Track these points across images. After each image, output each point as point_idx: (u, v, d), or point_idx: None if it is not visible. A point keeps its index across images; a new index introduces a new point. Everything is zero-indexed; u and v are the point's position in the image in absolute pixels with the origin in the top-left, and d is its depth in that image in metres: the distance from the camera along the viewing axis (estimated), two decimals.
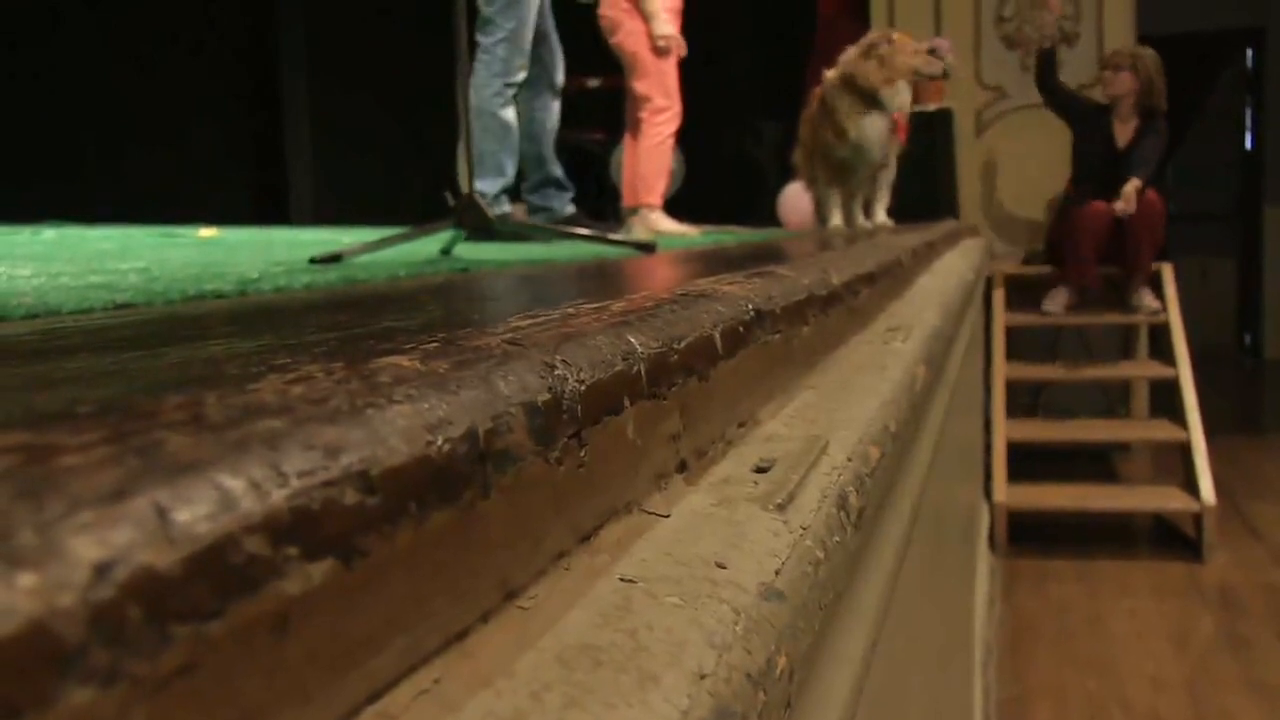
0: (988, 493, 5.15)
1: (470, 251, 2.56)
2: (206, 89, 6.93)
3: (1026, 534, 5.18)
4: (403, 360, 0.40)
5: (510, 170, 3.81)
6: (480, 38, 3.74)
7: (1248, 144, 10.67)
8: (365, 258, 2.15)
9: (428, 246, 2.50)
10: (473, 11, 3.60)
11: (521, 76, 3.78)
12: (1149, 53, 5.63)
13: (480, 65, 3.72)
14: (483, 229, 2.49)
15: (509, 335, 0.47)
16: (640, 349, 0.54)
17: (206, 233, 4.14)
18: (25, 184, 3.97)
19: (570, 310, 0.59)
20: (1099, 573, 4.84)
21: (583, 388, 0.46)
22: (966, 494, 3.49)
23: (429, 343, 0.44)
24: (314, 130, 7.97)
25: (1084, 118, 5.72)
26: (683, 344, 0.59)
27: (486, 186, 3.71)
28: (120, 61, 6.61)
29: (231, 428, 0.30)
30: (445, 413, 0.37)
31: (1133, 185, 5.34)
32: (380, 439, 0.33)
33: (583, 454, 0.45)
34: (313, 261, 2.00)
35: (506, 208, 3.77)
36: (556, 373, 0.45)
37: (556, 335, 0.49)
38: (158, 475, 0.26)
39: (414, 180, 6.71)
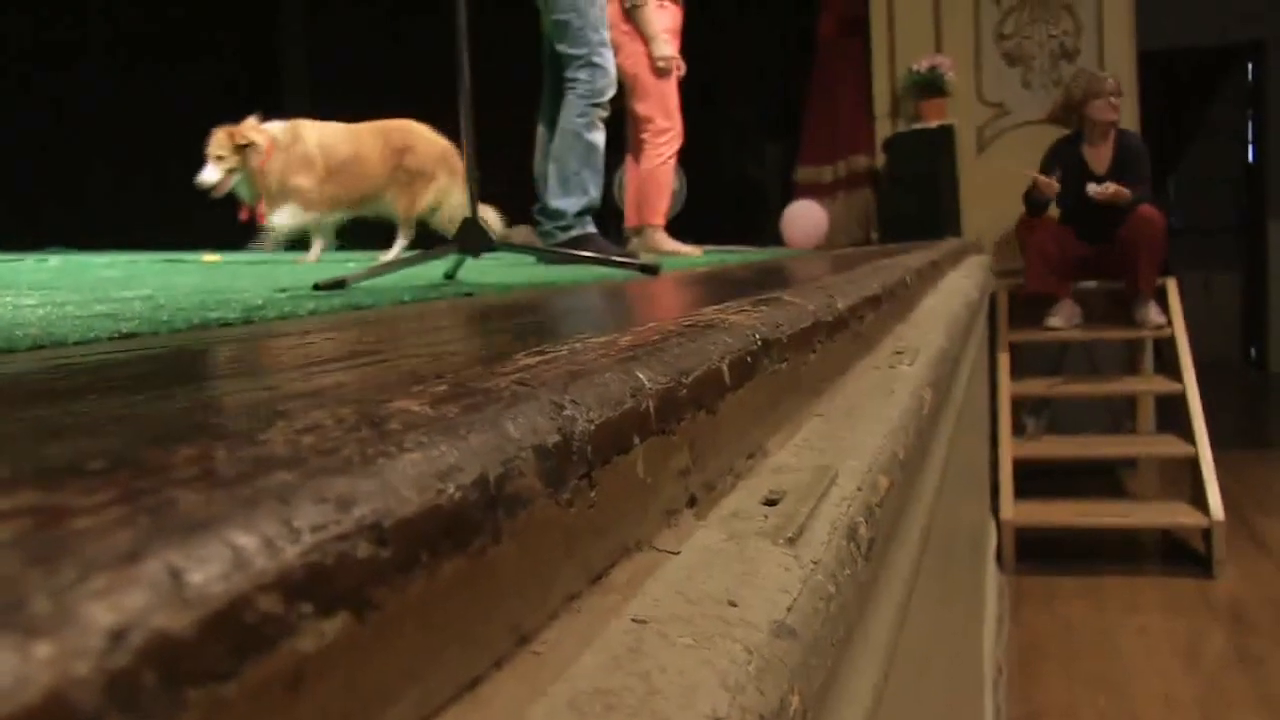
0: (995, 511, 5.14)
1: (474, 274, 2.56)
2: (210, 114, 6.96)
3: (1034, 551, 5.17)
4: (412, 405, 0.39)
5: (594, 190, 3.81)
6: (565, 73, 3.76)
7: (1250, 158, 10.67)
8: (369, 282, 2.15)
9: (431, 270, 2.50)
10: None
11: (609, 95, 3.79)
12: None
13: (569, 92, 3.74)
14: (487, 250, 2.49)
15: (517, 375, 0.47)
16: (648, 384, 0.54)
17: (210, 258, 4.16)
18: (30, 211, 3.99)
19: (577, 345, 0.58)
20: (1108, 590, 4.82)
21: (592, 427, 0.46)
22: (974, 513, 3.48)
23: (438, 384, 0.44)
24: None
25: (1056, 153, 5.72)
26: (691, 378, 0.59)
27: (569, 205, 3.72)
28: (124, 89, 6.65)
29: (243, 482, 0.30)
30: (456, 459, 0.36)
31: (1108, 188, 5.33)
32: (392, 489, 0.33)
33: (593, 494, 0.45)
34: (316, 287, 2.00)
35: (590, 228, 3.77)
36: (565, 413, 0.45)
37: (564, 373, 0.49)
38: (170, 535, 0.26)
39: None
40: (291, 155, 3.99)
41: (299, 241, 4.12)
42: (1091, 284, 5.80)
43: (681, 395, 0.57)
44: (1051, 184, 5.41)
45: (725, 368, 0.66)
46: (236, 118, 3.94)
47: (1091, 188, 5.33)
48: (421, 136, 4.23)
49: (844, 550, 0.61)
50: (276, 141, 3.97)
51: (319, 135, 4.09)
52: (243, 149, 3.90)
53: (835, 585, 0.57)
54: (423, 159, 4.19)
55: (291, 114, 4.15)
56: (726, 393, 0.65)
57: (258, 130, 3.95)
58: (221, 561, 0.26)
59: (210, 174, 3.88)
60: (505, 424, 0.41)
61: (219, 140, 3.89)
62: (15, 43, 7.04)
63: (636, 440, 0.50)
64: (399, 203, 4.19)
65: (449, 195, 4.24)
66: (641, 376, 0.54)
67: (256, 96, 8.00)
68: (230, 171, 3.89)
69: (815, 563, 0.57)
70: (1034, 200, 5.59)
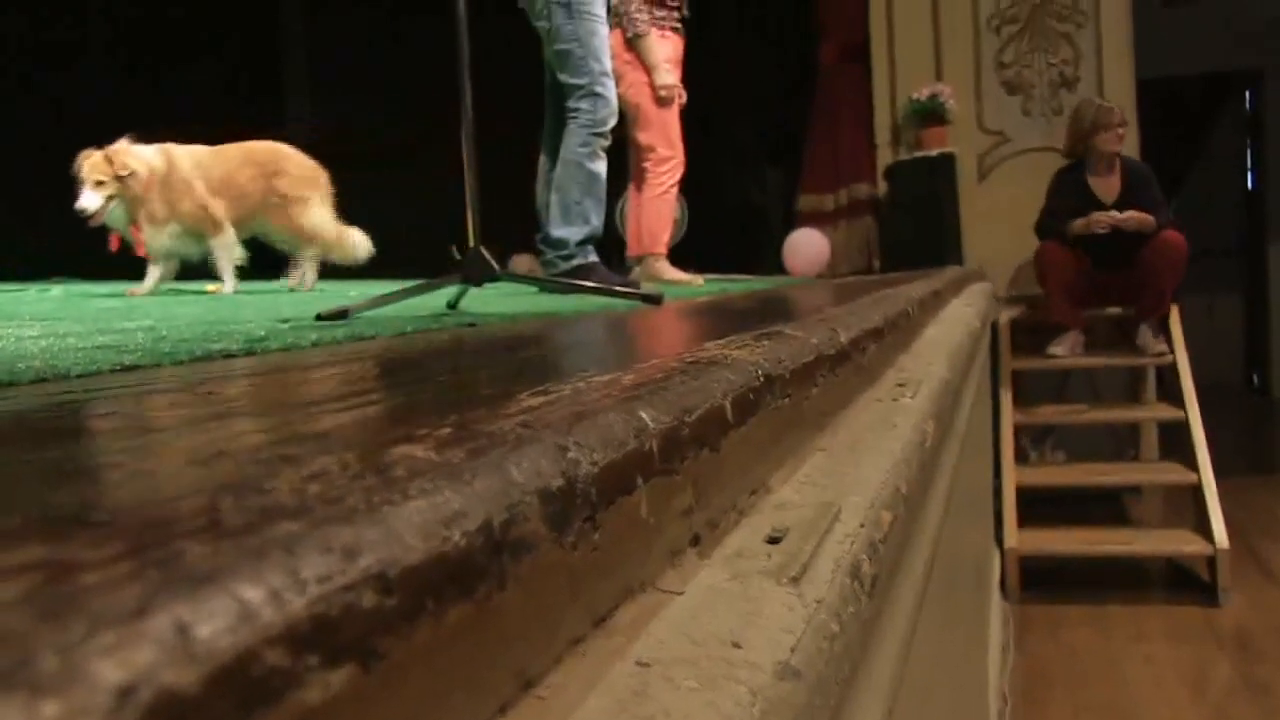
0: (998, 538, 5.12)
1: (477, 304, 2.56)
2: (210, 114, 6.97)
3: (1038, 579, 5.15)
4: (417, 450, 0.40)
5: (596, 220, 3.81)
6: (568, 103, 3.77)
7: (1250, 184, 10.71)
8: (372, 313, 2.16)
9: (434, 299, 2.51)
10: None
11: (611, 124, 3.80)
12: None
13: (571, 122, 3.76)
14: (490, 280, 2.50)
15: (521, 417, 0.47)
16: (651, 424, 0.54)
17: (213, 288, 4.16)
18: (31, 240, 4.01)
19: (580, 384, 0.59)
20: (1113, 618, 4.80)
21: (596, 469, 0.46)
22: (977, 541, 3.47)
23: (442, 427, 0.45)
24: None
25: (1062, 184, 5.74)
26: (694, 416, 0.59)
27: (571, 235, 3.72)
28: (124, 121, 6.67)
29: (250, 532, 0.30)
30: (460, 505, 0.37)
31: (1132, 217, 5.34)
32: (397, 537, 0.33)
33: (596, 536, 0.45)
34: (319, 318, 2.01)
35: (593, 257, 3.77)
36: (569, 455, 0.45)
37: (568, 415, 0.49)
38: (178, 589, 0.26)
39: (421, 233, 6.73)
40: (171, 181, 3.89)
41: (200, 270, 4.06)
42: (1095, 311, 5.80)
43: (684, 434, 0.57)
44: (1102, 220, 5.40)
45: (728, 405, 0.66)
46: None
47: (1116, 216, 5.35)
48: (291, 159, 4.18)
49: (847, 588, 0.61)
50: (153, 169, 3.87)
51: (191, 158, 3.99)
52: (122, 177, 3.78)
53: (839, 624, 0.57)
54: (295, 181, 4.15)
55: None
56: (729, 430, 0.65)
57: (137, 157, 3.84)
58: (228, 615, 0.26)
59: (92, 200, 3.74)
60: (509, 468, 0.41)
61: (97, 165, 3.76)
62: (15, 43, 7.07)
63: (640, 481, 0.50)
64: (281, 228, 4.13)
65: (320, 214, 4.21)
66: (644, 416, 0.54)
67: (256, 96, 8.03)
68: (109, 199, 3.78)
69: (819, 601, 0.56)
70: (1048, 229, 5.61)
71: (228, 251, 3.94)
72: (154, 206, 3.85)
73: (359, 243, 4.36)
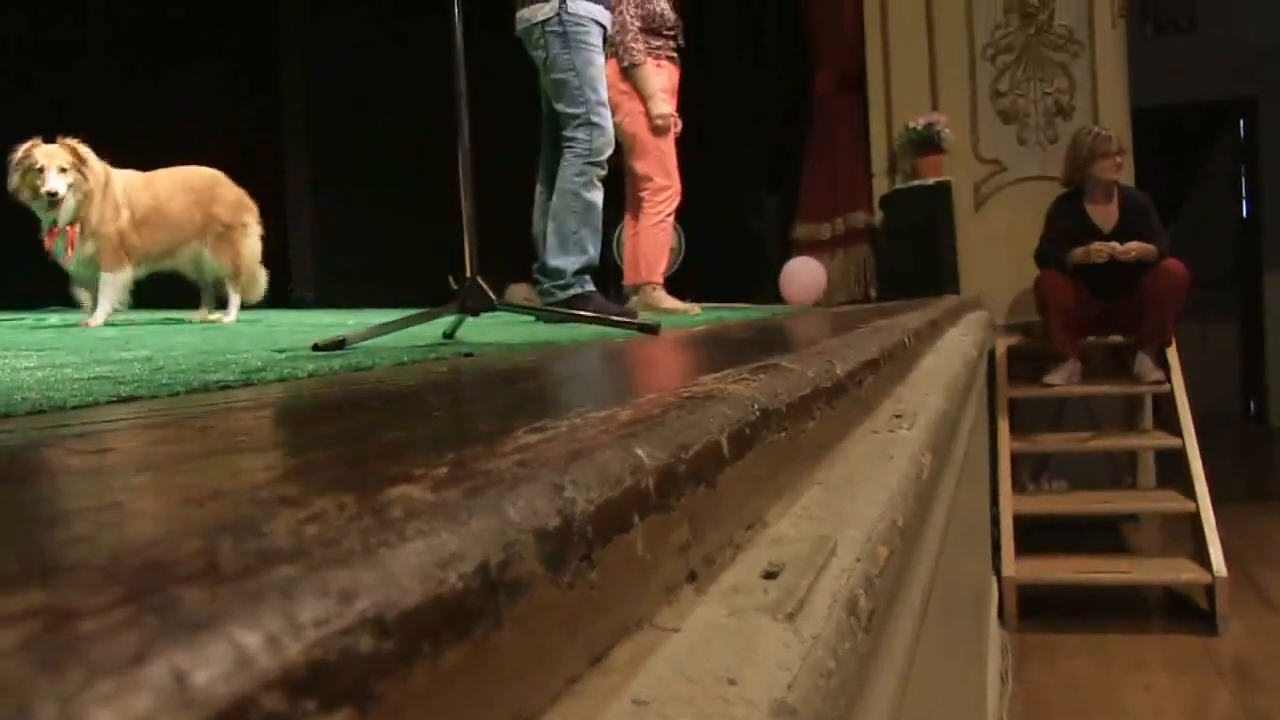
0: (996, 567, 5.11)
1: (474, 333, 2.57)
2: (210, 115, 6.98)
3: (1036, 608, 5.13)
4: (413, 490, 0.40)
5: (593, 249, 3.81)
6: (564, 132, 3.78)
7: (1244, 211, 10.76)
8: (369, 342, 2.16)
9: (431, 329, 2.51)
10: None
11: (607, 154, 3.81)
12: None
13: (567, 151, 3.77)
14: (488, 310, 2.50)
15: (518, 456, 0.47)
16: (648, 461, 0.54)
17: (212, 316, 4.17)
18: (28, 268, 4.01)
19: (577, 421, 0.59)
20: (1111, 647, 4.79)
21: (592, 508, 0.46)
22: (975, 570, 3.47)
23: (439, 466, 0.45)
24: (315, 214, 8.05)
25: (1060, 213, 5.77)
26: (690, 452, 0.60)
27: (568, 264, 3.73)
28: (125, 89, 6.68)
29: (247, 577, 0.30)
30: (457, 546, 0.37)
31: (1131, 247, 5.37)
32: (394, 580, 0.33)
33: (593, 575, 0.45)
34: (316, 348, 2.01)
35: (589, 287, 3.78)
36: (566, 494, 0.45)
37: (565, 453, 0.50)
38: (175, 635, 0.26)
39: (419, 260, 6.75)
40: (106, 198, 3.77)
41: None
42: (1091, 339, 5.81)
43: (681, 471, 0.57)
44: (1102, 251, 5.42)
45: (724, 440, 0.66)
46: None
47: (1115, 247, 5.37)
48: (226, 185, 4.12)
49: (844, 624, 0.61)
50: (100, 174, 3.75)
51: (124, 182, 3.86)
52: (81, 169, 3.66)
53: (835, 660, 0.57)
54: (233, 208, 4.09)
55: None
56: (726, 466, 0.65)
57: (91, 154, 3.72)
58: (225, 661, 0.26)
59: (59, 183, 3.61)
60: (506, 508, 0.41)
61: (55, 152, 3.63)
62: (15, 43, 7.09)
63: (636, 519, 0.50)
64: (222, 257, 4.05)
65: (255, 243, 4.16)
66: (641, 453, 0.54)
67: (256, 97, 8.04)
68: (70, 187, 3.64)
69: (815, 638, 0.56)
70: (1047, 257, 5.63)
71: (115, 291, 3.77)
72: (89, 214, 3.72)
73: (262, 283, 4.29)
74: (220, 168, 4.15)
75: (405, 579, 0.34)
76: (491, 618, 0.37)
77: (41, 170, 3.60)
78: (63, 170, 3.63)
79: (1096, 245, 5.40)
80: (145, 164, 4.01)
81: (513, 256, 4.71)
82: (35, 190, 3.62)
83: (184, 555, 0.31)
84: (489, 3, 4.11)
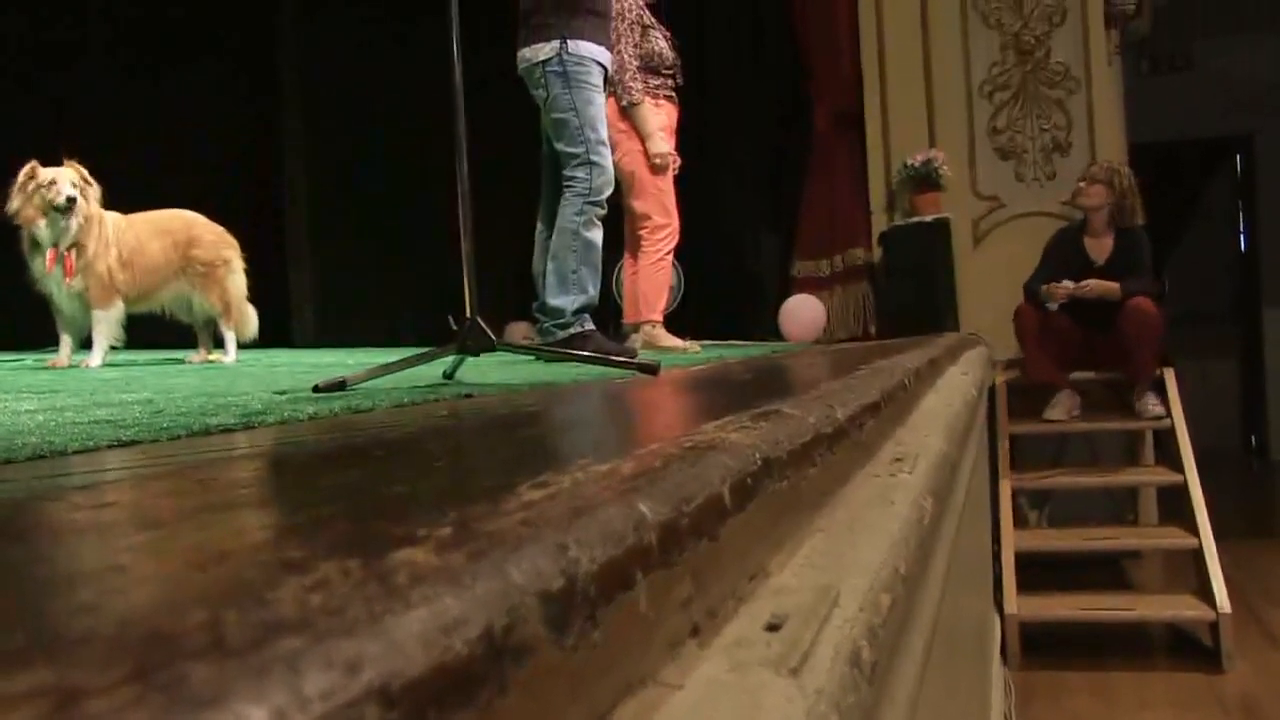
0: (998, 604, 5.09)
1: (474, 373, 2.57)
2: (210, 115, 7.00)
3: (1040, 646, 5.11)
4: (418, 555, 0.40)
5: (592, 289, 3.82)
6: (564, 171, 3.80)
7: (1242, 246, 10.81)
8: (368, 384, 2.16)
9: (431, 369, 2.51)
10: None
11: (607, 193, 3.82)
12: (1126, 170, 5.75)
13: (567, 190, 3.78)
14: (488, 350, 2.50)
15: (521, 514, 0.48)
16: (650, 516, 0.54)
17: (213, 356, 4.17)
18: (28, 310, 4.01)
19: (579, 475, 0.59)
20: (1116, 685, 4.76)
21: (595, 567, 0.46)
22: (977, 609, 3.45)
23: (443, 526, 0.45)
24: (314, 249, 8.06)
25: (1057, 244, 5.81)
26: (692, 505, 0.60)
27: (567, 303, 3.73)
28: (124, 121, 6.70)
29: (252, 651, 0.30)
30: (461, 612, 0.37)
31: (1088, 286, 5.43)
32: (399, 648, 0.33)
33: (596, 634, 0.45)
34: (316, 390, 2.01)
35: (589, 325, 3.78)
36: (570, 554, 0.45)
37: (568, 510, 0.50)
38: (182, 713, 0.26)
39: (416, 299, 6.75)
40: (100, 232, 3.83)
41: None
42: (1090, 374, 5.81)
43: (683, 525, 0.57)
44: (1056, 291, 5.49)
45: (726, 491, 0.66)
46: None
47: (1069, 286, 5.45)
48: (203, 225, 4.16)
49: (847, 676, 0.61)
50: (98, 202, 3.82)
51: (112, 221, 3.91)
52: (86, 192, 3.73)
53: (839, 714, 0.57)
54: (212, 246, 4.13)
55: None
56: (728, 517, 0.65)
57: (95, 184, 3.80)
58: None
59: (74, 191, 3.68)
60: (510, 570, 0.41)
61: (71, 172, 3.72)
62: (15, 43, 7.12)
63: (639, 575, 0.50)
64: (210, 296, 4.09)
65: (240, 280, 4.20)
66: (644, 509, 0.54)
67: (256, 97, 8.05)
68: (76, 203, 3.71)
69: (819, 692, 0.56)
70: (1027, 289, 5.67)
71: (109, 327, 3.81)
72: (87, 242, 3.76)
73: (253, 319, 4.31)
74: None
75: (410, 647, 0.34)
76: (496, 683, 0.37)
77: (53, 183, 3.67)
78: (74, 185, 3.70)
79: (1051, 286, 5.50)
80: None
81: (512, 295, 4.71)
82: (45, 206, 3.69)
83: (190, 627, 0.31)
84: (489, 37, 4.14)
